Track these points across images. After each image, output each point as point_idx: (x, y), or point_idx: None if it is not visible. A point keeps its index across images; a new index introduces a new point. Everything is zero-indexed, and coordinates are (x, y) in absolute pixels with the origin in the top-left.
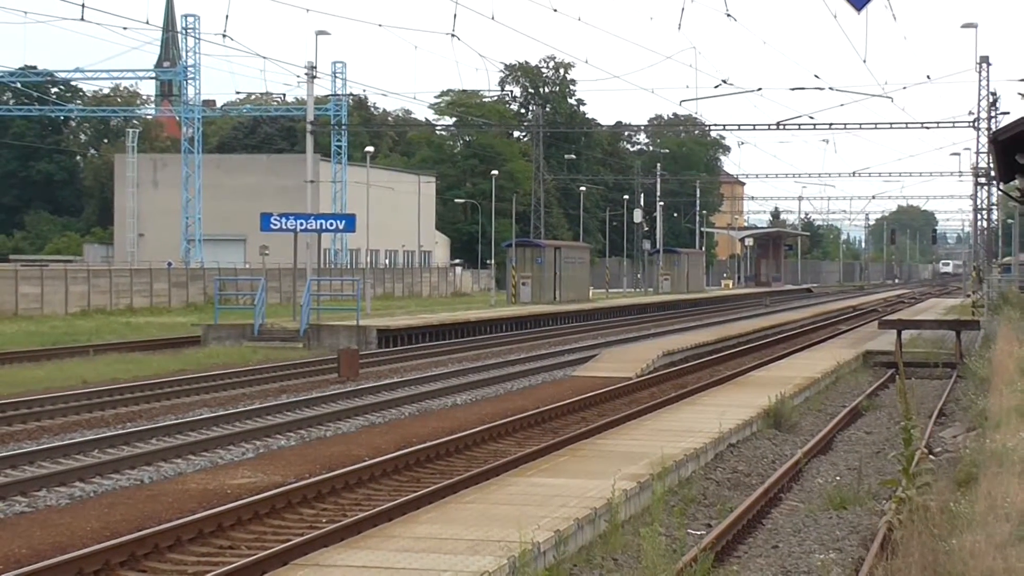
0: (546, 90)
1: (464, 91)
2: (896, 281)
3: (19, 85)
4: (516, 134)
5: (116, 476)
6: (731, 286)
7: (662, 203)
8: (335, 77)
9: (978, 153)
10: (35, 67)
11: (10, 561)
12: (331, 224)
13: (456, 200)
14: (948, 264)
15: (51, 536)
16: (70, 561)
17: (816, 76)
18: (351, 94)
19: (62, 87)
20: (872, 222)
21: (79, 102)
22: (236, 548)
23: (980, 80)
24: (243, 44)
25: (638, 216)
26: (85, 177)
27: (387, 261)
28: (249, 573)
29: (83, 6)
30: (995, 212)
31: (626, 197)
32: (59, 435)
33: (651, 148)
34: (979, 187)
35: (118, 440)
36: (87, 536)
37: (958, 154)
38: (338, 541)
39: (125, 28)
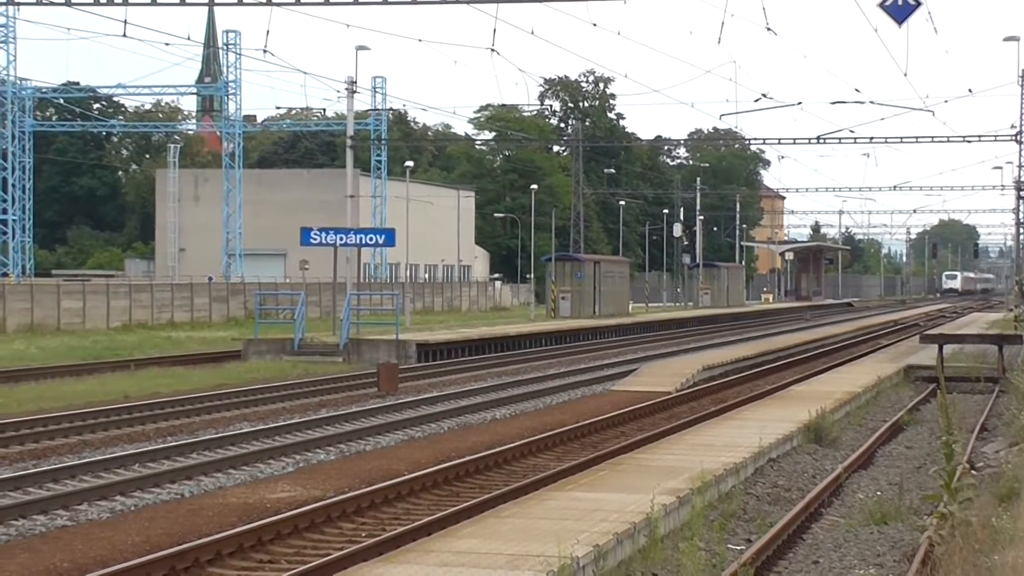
0: (585, 104)
1: (504, 106)
2: (938, 295)
3: (62, 101)
4: (556, 148)
5: (157, 490)
6: (771, 300)
7: (702, 217)
8: (375, 92)
9: (1020, 166)
10: (77, 83)
11: (52, 574)
12: (371, 238)
13: (495, 214)
14: (955, 277)
15: (93, 550)
16: (111, 575)
17: (857, 90)
18: (391, 109)
19: (104, 103)
20: (913, 236)
21: (121, 118)
22: (276, 562)
23: (1022, 93)
24: (283, 60)
25: (678, 230)
26: (127, 192)
27: (426, 275)
28: None
29: (125, 22)
30: None
31: (666, 211)
32: (100, 449)
33: (691, 162)
34: (1021, 200)
35: (159, 454)
36: (128, 550)
37: (1000, 167)
38: (377, 556)
39: (167, 44)
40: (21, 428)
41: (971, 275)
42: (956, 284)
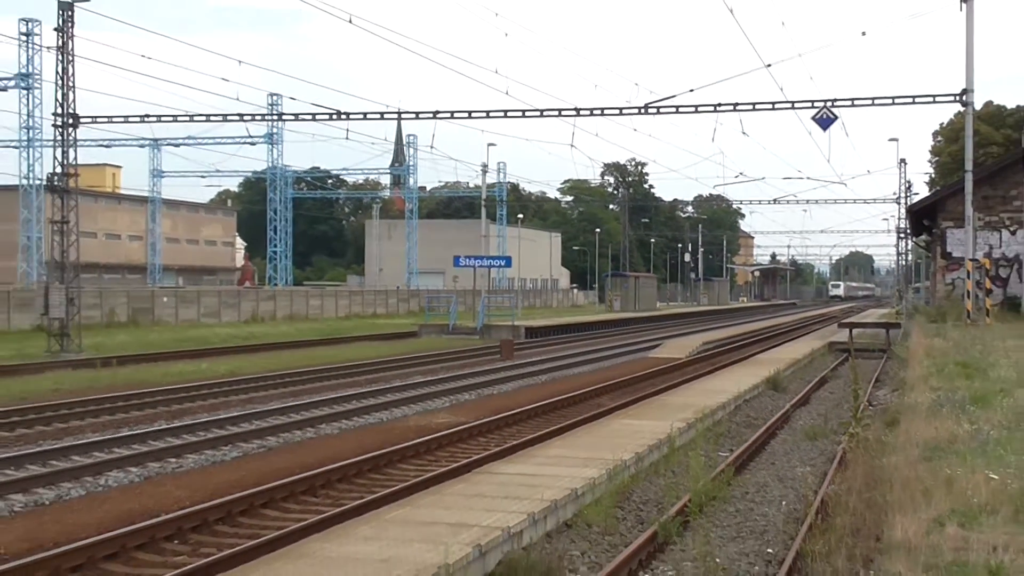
0: (629, 179)
1: (579, 180)
2: (829, 298)
3: (309, 179)
4: (611, 206)
5: (366, 416)
6: (746, 301)
7: (702, 249)
8: (499, 171)
9: (900, 218)
10: (318, 167)
11: (303, 467)
12: (496, 263)
13: (573, 247)
14: (839, 286)
15: (327, 452)
16: (337, 468)
17: (799, 170)
18: (509, 182)
19: (334, 179)
20: (834, 261)
21: (344, 188)
22: (439, 461)
23: (900, 173)
24: (443, 151)
25: (687, 257)
26: (347, 234)
27: (530, 285)
28: (449, 476)
29: (347, 130)
30: (910, 255)
31: (679, 245)
32: (334, 390)
33: (695, 215)
34: (900, 239)
35: (368, 395)
36: (348, 453)
37: (887, 219)
38: (501, 458)
39: (373, 143)
40: (285, 378)
41: (852, 284)
42: (840, 291)
